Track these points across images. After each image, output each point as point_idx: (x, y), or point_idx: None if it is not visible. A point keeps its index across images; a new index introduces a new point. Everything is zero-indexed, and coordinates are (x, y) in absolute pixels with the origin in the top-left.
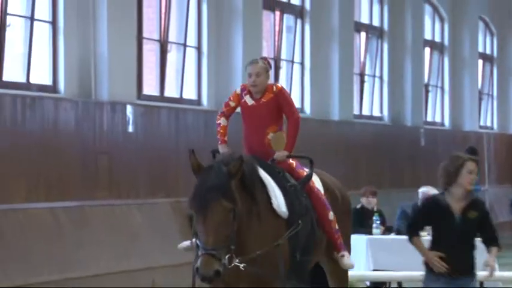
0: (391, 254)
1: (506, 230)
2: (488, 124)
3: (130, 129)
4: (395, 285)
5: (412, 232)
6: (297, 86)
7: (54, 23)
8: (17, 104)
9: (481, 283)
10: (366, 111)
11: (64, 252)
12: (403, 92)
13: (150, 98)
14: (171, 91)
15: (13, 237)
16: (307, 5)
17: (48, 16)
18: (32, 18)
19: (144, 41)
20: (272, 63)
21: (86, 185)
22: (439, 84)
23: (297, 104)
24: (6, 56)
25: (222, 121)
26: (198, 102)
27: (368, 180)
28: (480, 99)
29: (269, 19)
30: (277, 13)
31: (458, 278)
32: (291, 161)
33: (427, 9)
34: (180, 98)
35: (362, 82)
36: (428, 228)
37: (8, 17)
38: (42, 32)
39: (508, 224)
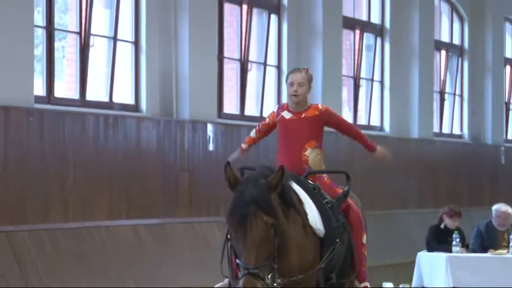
0: (470, 272)
1: None
2: None
3: (211, 147)
4: None
5: None
6: (377, 104)
7: (136, 43)
8: (99, 123)
9: None
10: (445, 129)
11: (145, 269)
12: (483, 110)
13: (230, 116)
14: (251, 110)
15: (96, 254)
16: (387, 24)
17: (130, 36)
18: (115, 39)
19: (225, 60)
20: (351, 81)
21: (167, 202)
22: None
23: (376, 121)
24: (90, 75)
25: (252, 133)
26: None
27: (447, 198)
28: None
29: (349, 38)
30: (357, 32)
31: None
32: (325, 178)
33: (508, 27)
34: (260, 116)
35: (442, 100)
36: None
37: (92, 38)
38: (124, 52)
39: None
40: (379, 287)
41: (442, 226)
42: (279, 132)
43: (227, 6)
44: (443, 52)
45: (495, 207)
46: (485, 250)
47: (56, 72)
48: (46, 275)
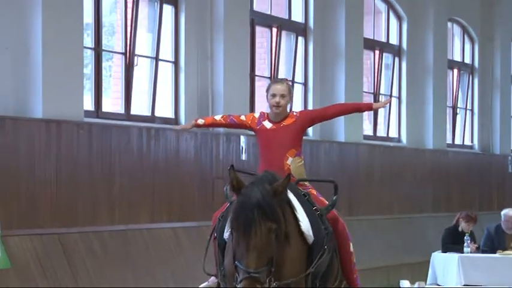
0: (480, 271)
1: None
2: None
3: (244, 157)
4: None
5: None
6: (394, 118)
7: (176, 62)
8: (143, 135)
9: None
10: (457, 141)
11: (183, 268)
12: (491, 123)
13: None
14: None
15: (139, 254)
16: (404, 45)
17: (171, 57)
18: (156, 59)
19: (256, 78)
20: (372, 97)
21: (203, 207)
22: None
23: (394, 134)
24: (134, 92)
25: (217, 116)
26: (305, 133)
27: (460, 204)
28: None
29: (369, 57)
30: (377, 52)
31: None
32: (310, 187)
33: None
34: None
35: (454, 114)
36: None
37: (136, 58)
38: (165, 70)
39: None
40: (396, 287)
41: (460, 229)
42: (260, 142)
43: (258, 29)
44: (455, 70)
45: (504, 212)
46: (494, 251)
47: (103, 89)
48: (94, 273)
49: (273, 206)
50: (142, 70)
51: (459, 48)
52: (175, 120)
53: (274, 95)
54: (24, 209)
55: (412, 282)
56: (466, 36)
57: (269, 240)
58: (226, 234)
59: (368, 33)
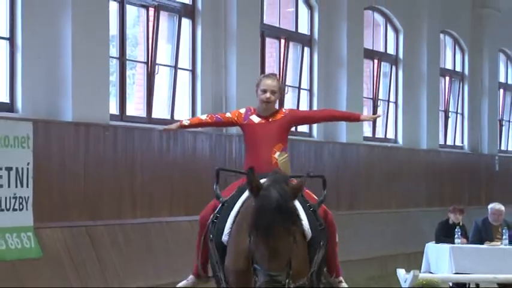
0: (470, 260)
1: None
2: None
3: None
4: (474, 286)
5: None
6: (392, 121)
7: (193, 71)
8: (163, 136)
9: None
10: (449, 142)
11: None
12: (480, 126)
13: None
14: None
15: (159, 245)
16: (401, 55)
17: (188, 65)
18: (175, 67)
19: None
20: (371, 102)
21: None
22: (511, 119)
23: (391, 135)
24: (155, 97)
25: (203, 116)
26: (310, 134)
27: (451, 199)
28: None
29: (369, 66)
30: (376, 61)
31: None
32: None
33: (502, 57)
34: (295, 131)
35: (446, 117)
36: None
37: (157, 67)
38: (183, 78)
39: None
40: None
41: (450, 222)
42: (247, 136)
43: (268, 40)
44: (447, 78)
45: (490, 205)
46: (482, 242)
47: (127, 95)
48: (119, 263)
49: (293, 209)
50: (162, 78)
51: (451, 58)
52: None
53: (264, 90)
54: (55, 203)
55: (408, 271)
56: (457, 47)
57: (289, 242)
58: (225, 238)
59: (368, 44)
